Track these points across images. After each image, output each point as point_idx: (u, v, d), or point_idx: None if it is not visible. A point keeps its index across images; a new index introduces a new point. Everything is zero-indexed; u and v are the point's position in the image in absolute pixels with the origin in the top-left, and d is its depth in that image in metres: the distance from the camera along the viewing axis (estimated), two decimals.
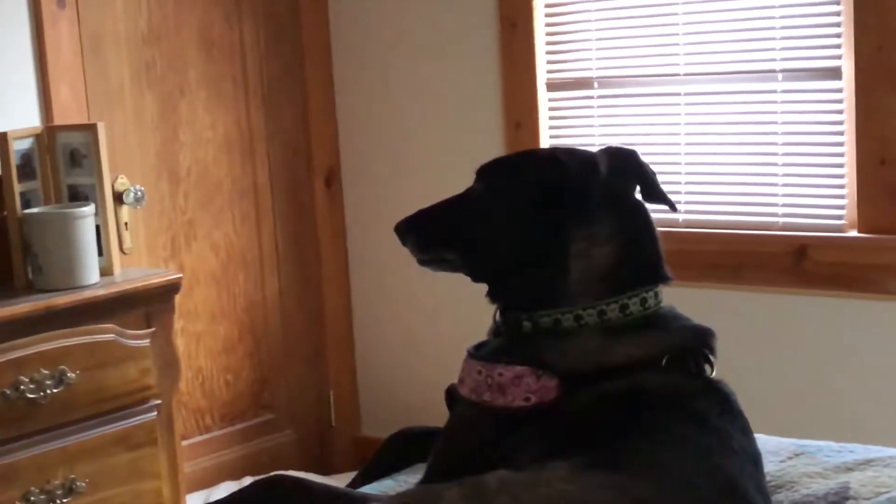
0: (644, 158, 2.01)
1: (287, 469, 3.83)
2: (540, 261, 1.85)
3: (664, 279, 1.90)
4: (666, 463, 1.60)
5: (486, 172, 1.98)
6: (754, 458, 1.73)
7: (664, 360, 1.79)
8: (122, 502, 3.00)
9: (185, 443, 3.63)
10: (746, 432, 1.77)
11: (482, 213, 1.93)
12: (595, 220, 1.85)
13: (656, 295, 1.87)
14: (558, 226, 1.84)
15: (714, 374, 1.85)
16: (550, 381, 1.77)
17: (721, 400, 1.79)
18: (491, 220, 1.91)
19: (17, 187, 3.05)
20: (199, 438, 3.94)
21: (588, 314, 1.81)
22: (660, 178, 3.65)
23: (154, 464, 3.09)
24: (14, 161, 3.05)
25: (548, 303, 1.83)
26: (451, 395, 1.95)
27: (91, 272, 3.04)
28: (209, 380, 3.98)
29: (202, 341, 3.96)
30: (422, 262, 2.01)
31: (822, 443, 2.06)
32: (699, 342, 1.86)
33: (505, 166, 1.99)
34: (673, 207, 2.02)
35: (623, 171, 1.94)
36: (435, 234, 1.98)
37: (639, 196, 1.99)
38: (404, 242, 2.01)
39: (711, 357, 1.86)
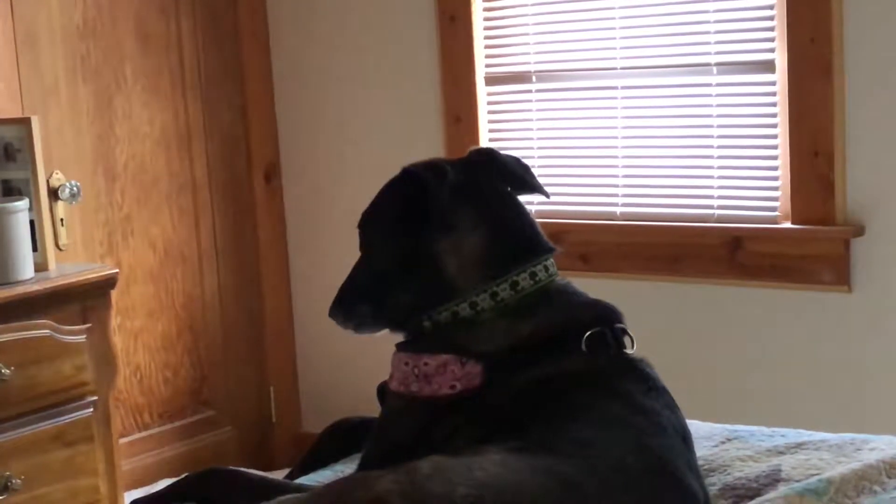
0: (506, 153, 2.11)
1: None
2: (416, 270, 1.90)
3: (546, 250, 1.94)
4: (596, 444, 1.62)
5: (362, 221, 2.04)
6: (683, 435, 1.75)
7: (584, 341, 1.80)
8: (58, 499, 2.97)
9: (123, 440, 3.60)
10: (673, 409, 1.79)
11: (370, 256, 2.00)
12: (454, 216, 1.89)
13: (546, 269, 1.91)
14: (420, 233, 1.89)
15: (634, 349, 1.86)
16: (474, 367, 1.80)
17: (645, 378, 1.80)
18: (374, 257, 1.98)
19: None
20: (137, 436, 3.91)
21: (481, 299, 1.85)
22: (598, 171, 3.69)
23: (90, 461, 3.07)
24: None
25: (439, 303, 1.88)
26: (383, 391, 1.97)
27: (25, 267, 3.01)
28: (147, 377, 3.95)
29: (140, 338, 3.93)
30: (358, 330, 2.02)
31: (754, 428, 2.08)
32: (610, 318, 1.87)
33: (372, 204, 2.03)
34: (545, 194, 2.11)
35: (478, 166, 2.01)
36: (351, 299, 2.00)
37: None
38: (343, 324, 2.03)
39: (629, 333, 1.88)
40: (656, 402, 1.75)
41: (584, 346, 1.82)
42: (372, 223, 2.01)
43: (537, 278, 1.88)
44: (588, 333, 1.82)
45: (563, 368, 1.77)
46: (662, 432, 1.69)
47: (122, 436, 3.62)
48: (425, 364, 1.83)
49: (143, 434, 3.93)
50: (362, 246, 2.04)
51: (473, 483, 1.52)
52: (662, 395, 1.80)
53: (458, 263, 1.88)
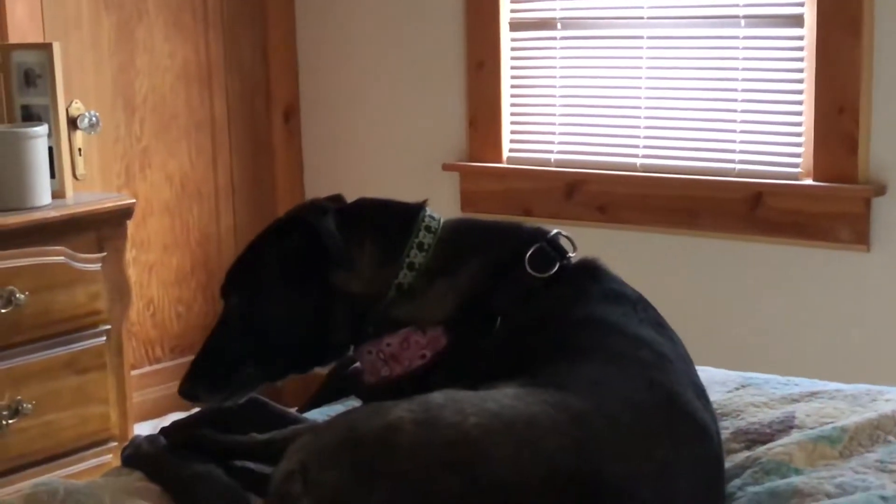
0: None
1: None
2: (324, 318, 1.85)
3: (417, 206, 1.90)
4: (606, 381, 1.61)
5: (231, 284, 1.91)
6: (684, 359, 1.75)
7: (527, 261, 1.79)
8: (68, 426, 2.99)
9: (134, 373, 3.61)
10: (664, 328, 1.78)
11: (256, 317, 1.86)
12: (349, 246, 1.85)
13: (432, 217, 1.89)
14: (319, 280, 1.83)
15: (576, 252, 1.85)
16: (435, 330, 1.79)
17: (623, 299, 1.79)
18: (270, 318, 1.86)
19: None
20: (148, 369, 3.92)
21: (402, 276, 1.83)
22: (619, 121, 3.67)
23: (102, 389, 3.08)
24: None
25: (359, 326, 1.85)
26: (352, 381, 1.98)
27: (43, 193, 3.00)
28: (160, 311, 3.96)
29: (154, 272, 3.93)
30: (227, 401, 1.89)
31: (768, 375, 2.07)
32: (536, 232, 1.87)
33: (243, 264, 1.91)
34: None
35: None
36: (224, 368, 1.87)
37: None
38: (197, 399, 1.89)
39: (563, 234, 1.87)
40: (651, 330, 1.74)
41: (528, 268, 1.80)
42: (253, 284, 1.86)
43: (433, 228, 1.87)
44: (529, 254, 1.81)
45: (549, 309, 1.76)
46: (667, 363, 1.68)
47: (134, 368, 3.63)
48: (388, 345, 1.81)
49: (155, 367, 3.94)
50: (231, 312, 1.88)
51: (485, 413, 1.52)
52: (648, 313, 1.79)
53: (366, 279, 1.84)
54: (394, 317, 1.82)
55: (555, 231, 1.88)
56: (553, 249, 1.85)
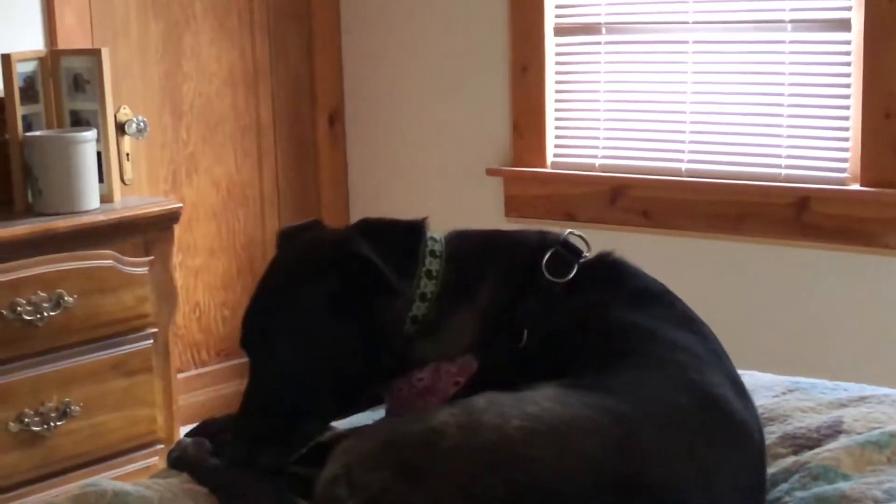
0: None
1: None
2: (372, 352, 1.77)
3: (419, 227, 1.84)
4: (647, 384, 1.60)
5: (266, 334, 1.76)
6: (719, 355, 1.73)
7: (545, 268, 1.76)
8: (115, 427, 3.01)
9: (180, 376, 3.64)
10: (697, 327, 1.76)
11: (312, 365, 1.74)
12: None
13: (433, 239, 1.83)
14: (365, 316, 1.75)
15: (590, 250, 1.82)
16: (464, 356, 1.75)
17: (659, 300, 1.77)
18: (326, 361, 1.75)
19: (20, 110, 3.04)
20: (194, 372, 3.95)
21: (416, 308, 1.77)
22: (664, 126, 3.65)
23: (149, 392, 3.10)
24: (17, 83, 3.04)
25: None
26: None
27: (91, 197, 3.03)
28: (206, 314, 3.98)
29: (200, 276, 3.96)
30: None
31: (816, 380, 2.06)
32: (545, 237, 1.84)
33: (274, 313, 1.77)
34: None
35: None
36: (282, 426, 1.75)
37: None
38: (256, 461, 1.74)
39: (574, 233, 1.84)
40: (685, 331, 1.72)
41: (547, 274, 1.77)
42: (301, 330, 1.73)
43: (437, 252, 1.81)
44: (545, 260, 1.78)
45: (582, 315, 1.73)
46: (705, 365, 1.67)
47: (180, 371, 3.65)
48: (419, 380, 1.76)
49: (200, 371, 3.97)
50: (280, 365, 1.74)
51: (527, 416, 1.52)
52: (678, 309, 1.76)
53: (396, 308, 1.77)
54: (419, 356, 1.77)
55: (567, 232, 1.87)
56: (568, 251, 1.82)
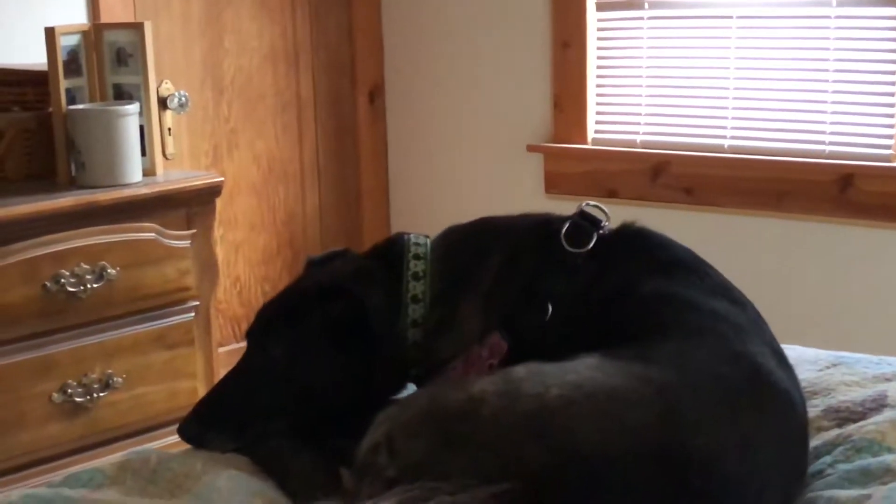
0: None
1: None
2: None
3: (399, 238, 1.87)
4: (689, 355, 1.59)
5: (266, 332, 1.84)
6: (757, 324, 1.72)
7: (563, 238, 1.76)
8: (157, 399, 3.03)
9: (221, 350, 3.64)
10: (733, 295, 1.74)
11: (299, 375, 1.80)
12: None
13: (416, 243, 1.85)
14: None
15: (609, 220, 1.81)
16: (492, 338, 1.76)
17: (692, 270, 1.75)
18: (316, 378, 1.80)
19: (63, 83, 3.05)
20: (234, 346, 3.96)
21: (411, 311, 1.80)
22: (707, 102, 3.62)
23: (190, 364, 3.12)
24: (61, 57, 3.05)
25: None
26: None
27: (134, 171, 3.05)
28: (247, 289, 4.00)
29: (241, 251, 3.98)
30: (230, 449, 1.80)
31: (860, 355, 2.04)
32: (548, 216, 1.83)
33: (281, 315, 1.84)
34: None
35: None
36: (243, 417, 1.80)
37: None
38: (203, 445, 1.79)
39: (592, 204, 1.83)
40: (723, 300, 1.71)
41: (565, 244, 1.77)
42: (296, 341, 1.80)
43: (421, 254, 1.83)
44: (563, 231, 1.78)
45: (619, 287, 1.72)
46: (746, 336, 1.65)
47: (221, 345, 3.67)
48: (453, 369, 1.77)
49: (241, 345, 3.96)
50: (270, 365, 1.81)
51: (567, 385, 1.52)
52: (712, 278, 1.75)
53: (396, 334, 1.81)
54: (444, 354, 1.79)
55: (584, 203, 1.85)
56: (586, 222, 1.81)
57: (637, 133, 3.78)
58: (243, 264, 3.98)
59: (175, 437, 3.02)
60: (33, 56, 3.13)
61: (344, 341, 1.79)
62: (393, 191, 4.35)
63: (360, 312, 1.78)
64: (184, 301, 3.08)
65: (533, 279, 1.77)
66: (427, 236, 1.89)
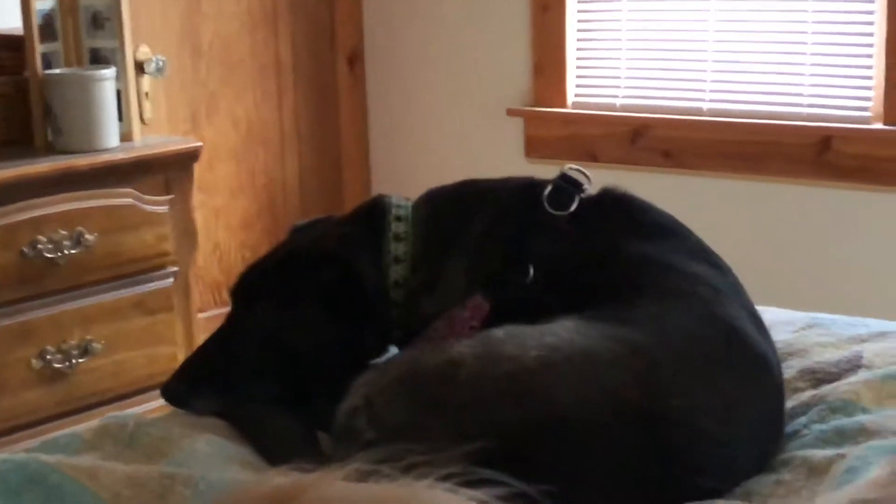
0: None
1: None
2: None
3: (379, 201, 1.87)
4: (667, 316, 1.60)
5: (252, 292, 1.83)
6: (736, 288, 1.73)
7: (546, 201, 1.76)
8: (137, 365, 3.03)
9: (201, 315, 3.64)
10: (713, 259, 1.75)
11: (289, 337, 1.79)
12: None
13: (397, 205, 1.84)
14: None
15: (591, 183, 1.81)
16: (473, 300, 1.75)
17: (673, 234, 1.76)
18: (304, 342, 1.79)
19: (39, 48, 3.03)
20: (215, 312, 3.95)
21: (392, 272, 1.80)
22: (686, 65, 3.62)
23: (170, 330, 3.11)
24: (36, 21, 3.03)
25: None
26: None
27: (111, 136, 3.03)
28: (227, 255, 3.99)
29: (220, 216, 3.96)
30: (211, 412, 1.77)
31: (836, 316, 2.05)
32: (530, 180, 1.83)
33: (268, 277, 1.83)
34: None
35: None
36: (230, 380, 1.79)
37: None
38: (185, 406, 1.78)
39: (574, 168, 1.83)
40: (703, 264, 1.72)
41: (547, 206, 1.77)
42: (285, 303, 1.79)
43: (402, 216, 1.82)
44: (545, 194, 1.78)
45: (582, 250, 1.73)
46: (725, 299, 1.66)
47: (201, 311, 3.66)
48: (435, 330, 1.76)
49: (221, 311, 3.95)
50: (257, 326, 1.80)
51: (545, 346, 1.52)
52: (693, 243, 1.76)
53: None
54: (426, 314, 1.78)
55: (566, 166, 1.86)
56: (569, 185, 1.81)
57: (617, 97, 3.78)
58: (223, 230, 3.97)
59: (155, 403, 3.04)
60: (8, 21, 3.10)
61: (334, 306, 1.78)
62: (373, 155, 4.34)
63: (351, 276, 1.78)
64: (163, 267, 3.08)
65: (515, 241, 1.77)
66: (408, 199, 1.89)
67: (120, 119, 3.11)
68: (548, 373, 1.49)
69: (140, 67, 3.40)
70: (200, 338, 3.35)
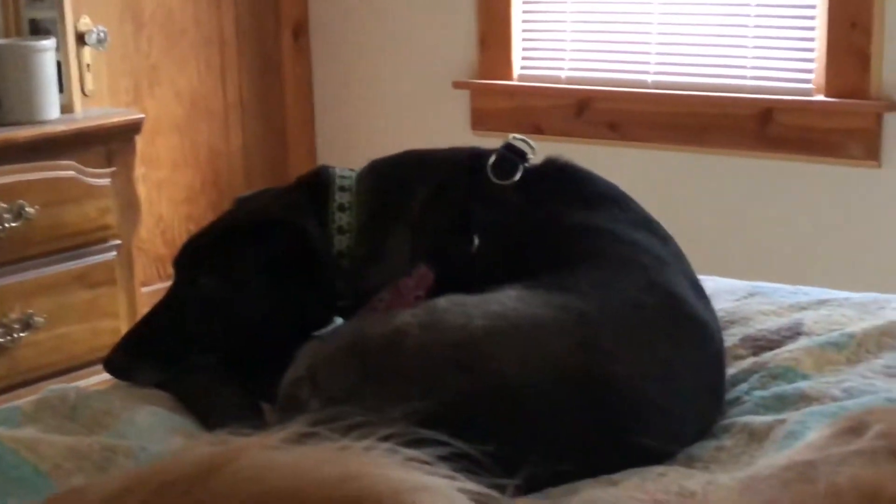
0: None
1: None
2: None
3: (322, 171, 1.86)
4: (611, 284, 1.61)
5: (196, 262, 1.81)
6: (678, 257, 1.75)
7: (490, 170, 1.77)
8: (79, 339, 3.01)
9: (145, 289, 3.61)
10: (654, 228, 1.77)
11: (235, 307, 1.77)
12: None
13: (340, 176, 1.84)
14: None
15: (535, 151, 1.82)
16: (419, 270, 1.75)
17: (615, 202, 1.77)
18: (251, 311, 1.78)
19: None
20: (159, 286, 3.92)
21: (337, 243, 1.79)
22: (631, 37, 3.63)
23: (112, 303, 3.09)
24: None
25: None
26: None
27: (51, 107, 3.00)
28: (170, 228, 3.96)
29: (164, 189, 3.93)
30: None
31: (777, 285, 2.07)
32: (472, 149, 1.84)
33: (213, 246, 1.81)
34: None
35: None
36: (174, 350, 1.77)
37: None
38: (129, 378, 1.77)
39: (518, 138, 1.84)
40: (644, 232, 1.73)
41: (492, 176, 1.78)
42: (230, 272, 1.77)
43: (346, 186, 1.82)
44: (490, 163, 1.78)
45: (526, 219, 1.74)
46: (666, 267, 1.67)
47: (144, 285, 3.64)
48: (380, 300, 1.75)
49: (165, 284, 3.92)
50: (202, 295, 1.78)
51: (490, 315, 1.53)
52: (635, 212, 1.77)
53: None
54: (372, 284, 1.77)
55: (510, 136, 1.86)
56: (513, 154, 1.81)
57: (562, 69, 3.78)
58: (166, 203, 3.94)
59: (99, 377, 3.01)
60: None
61: (280, 274, 1.77)
62: (319, 128, 4.32)
63: (299, 244, 1.76)
64: (105, 240, 3.05)
65: (460, 211, 1.77)
66: (353, 170, 1.89)
67: (61, 91, 3.08)
68: (492, 341, 1.50)
69: (81, 38, 3.36)
70: (144, 312, 3.32)
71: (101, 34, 3.42)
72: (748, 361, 1.76)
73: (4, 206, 2.81)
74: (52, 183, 2.91)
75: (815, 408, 1.56)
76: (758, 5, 3.42)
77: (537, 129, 3.76)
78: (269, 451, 0.88)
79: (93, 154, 3.03)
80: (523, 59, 3.86)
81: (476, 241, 1.75)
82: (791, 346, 1.76)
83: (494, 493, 0.93)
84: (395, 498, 0.86)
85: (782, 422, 1.53)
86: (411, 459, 0.89)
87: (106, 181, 3.03)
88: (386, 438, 0.92)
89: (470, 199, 1.78)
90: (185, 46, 3.91)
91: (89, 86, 3.36)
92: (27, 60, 2.94)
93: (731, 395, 1.69)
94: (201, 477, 0.87)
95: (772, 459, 1.21)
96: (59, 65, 3.06)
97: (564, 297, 1.56)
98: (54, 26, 3.09)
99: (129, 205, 3.12)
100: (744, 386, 1.69)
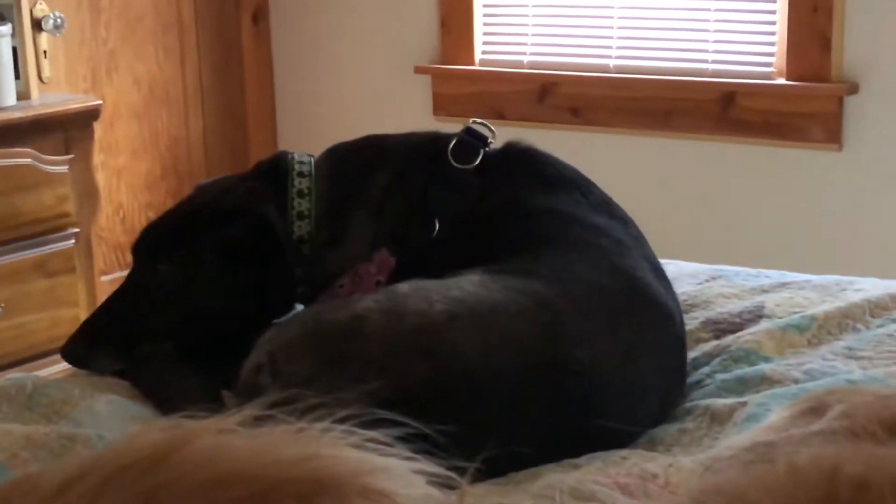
0: None
1: None
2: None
3: (281, 157, 1.85)
4: (571, 268, 1.60)
5: (155, 248, 1.79)
6: (638, 240, 1.75)
7: (450, 154, 1.76)
8: (39, 328, 2.98)
9: (105, 278, 3.59)
10: (615, 211, 1.77)
11: (193, 295, 1.75)
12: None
13: (299, 161, 1.82)
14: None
15: (495, 136, 1.82)
16: (379, 255, 1.75)
17: (576, 186, 1.76)
18: (209, 299, 1.76)
19: None
20: (118, 274, 3.88)
21: (297, 228, 1.77)
22: (592, 21, 3.63)
23: (72, 292, 3.07)
24: None
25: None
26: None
27: (8, 94, 2.96)
28: (130, 216, 3.92)
29: (123, 177, 3.89)
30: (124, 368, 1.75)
31: (738, 268, 2.07)
32: (439, 133, 1.84)
33: (172, 233, 1.79)
34: None
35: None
36: (132, 338, 1.75)
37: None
38: (87, 367, 1.75)
39: (478, 122, 1.84)
40: (604, 216, 1.73)
41: (452, 160, 1.77)
42: (189, 260, 1.76)
43: (306, 172, 1.80)
44: (451, 146, 1.77)
45: (487, 203, 1.73)
46: (627, 250, 1.67)
47: (104, 274, 3.60)
48: (341, 287, 1.75)
49: (125, 273, 3.89)
50: (161, 283, 1.76)
51: (451, 300, 1.52)
52: (596, 196, 1.77)
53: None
54: (332, 269, 1.77)
55: (471, 120, 1.85)
56: (474, 139, 1.81)
57: (524, 54, 3.77)
58: (126, 191, 3.90)
59: (58, 367, 2.98)
60: None
61: (239, 261, 1.75)
62: (280, 114, 4.29)
63: (259, 230, 1.75)
64: (63, 228, 3.02)
65: (420, 195, 1.77)
66: (312, 155, 1.87)
67: (17, 77, 3.04)
68: (453, 326, 1.49)
69: (37, 24, 3.32)
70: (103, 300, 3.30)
71: (59, 20, 3.38)
72: (710, 345, 1.76)
73: None
74: (9, 170, 2.88)
75: (776, 390, 1.57)
76: None
77: (499, 115, 3.75)
78: (224, 434, 0.88)
79: (50, 141, 2.99)
80: (485, 43, 3.84)
81: (437, 225, 1.74)
82: (753, 329, 1.76)
83: (454, 475, 0.92)
84: (354, 479, 0.85)
85: (744, 404, 1.53)
86: (369, 441, 0.88)
87: (64, 168, 3.00)
88: (343, 420, 0.91)
89: (430, 184, 1.77)
90: (143, 32, 3.88)
91: (46, 72, 3.32)
92: None
93: (692, 378, 1.69)
94: (156, 461, 0.86)
95: (733, 441, 1.21)
96: (14, 51, 3.02)
97: (525, 281, 1.56)
98: (10, 11, 3.05)
99: (88, 192, 3.09)
100: (706, 369, 1.70)
